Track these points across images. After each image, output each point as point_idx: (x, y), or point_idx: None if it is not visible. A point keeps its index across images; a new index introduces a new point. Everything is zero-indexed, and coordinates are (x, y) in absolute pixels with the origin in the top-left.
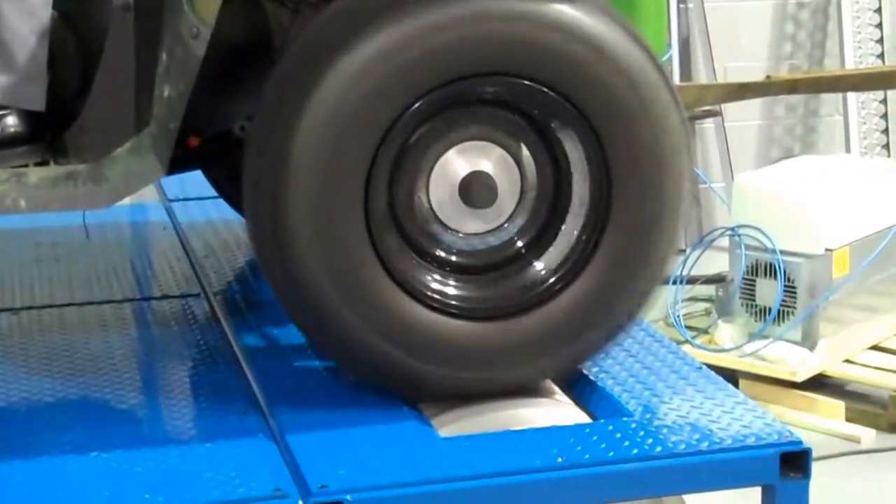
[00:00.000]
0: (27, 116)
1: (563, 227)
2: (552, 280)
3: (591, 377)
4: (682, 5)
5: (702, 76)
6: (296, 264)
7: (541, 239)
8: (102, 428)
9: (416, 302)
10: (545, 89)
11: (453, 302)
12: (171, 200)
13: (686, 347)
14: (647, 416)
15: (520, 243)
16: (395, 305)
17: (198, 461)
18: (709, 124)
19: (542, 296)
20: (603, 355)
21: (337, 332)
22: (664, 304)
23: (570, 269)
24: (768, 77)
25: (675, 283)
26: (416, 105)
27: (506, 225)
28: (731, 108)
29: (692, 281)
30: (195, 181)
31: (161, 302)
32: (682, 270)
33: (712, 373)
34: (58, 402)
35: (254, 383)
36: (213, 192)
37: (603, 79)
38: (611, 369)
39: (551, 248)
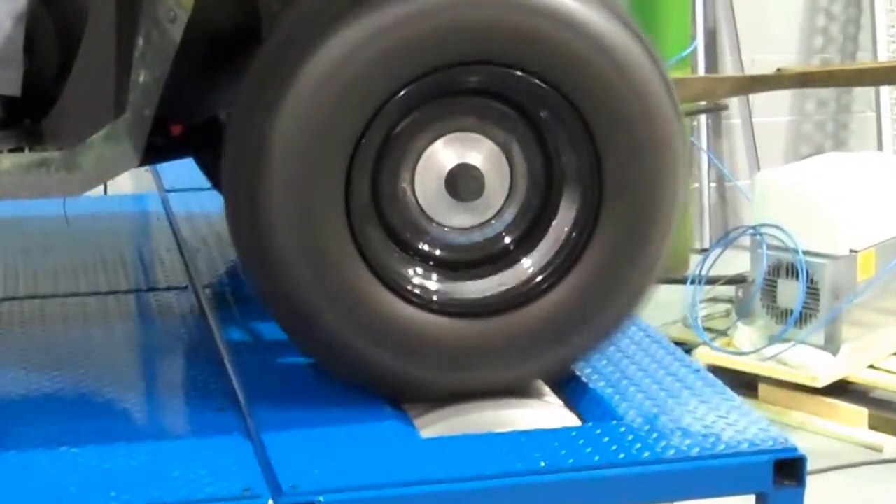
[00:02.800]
0: (2, 102)
1: (553, 223)
2: (540, 278)
3: (583, 378)
4: None
5: (728, 68)
6: (273, 256)
7: (530, 235)
8: (74, 422)
9: (397, 297)
10: (533, 79)
11: (437, 298)
12: (167, 191)
13: (704, 350)
14: (638, 419)
15: (508, 239)
16: (375, 300)
17: (169, 458)
18: (735, 120)
19: (529, 294)
20: (597, 355)
21: (315, 327)
22: (683, 304)
23: (559, 266)
24: (779, 70)
25: (694, 282)
26: (401, 94)
27: (493, 220)
28: (759, 104)
29: (712, 281)
30: (193, 171)
31: (147, 294)
32: (701, 270)
33: (710, 375)
34: (31, 395)
35: (234, 379)
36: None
37: (593, 68)
38: (604, 370)
39: (540, 245)
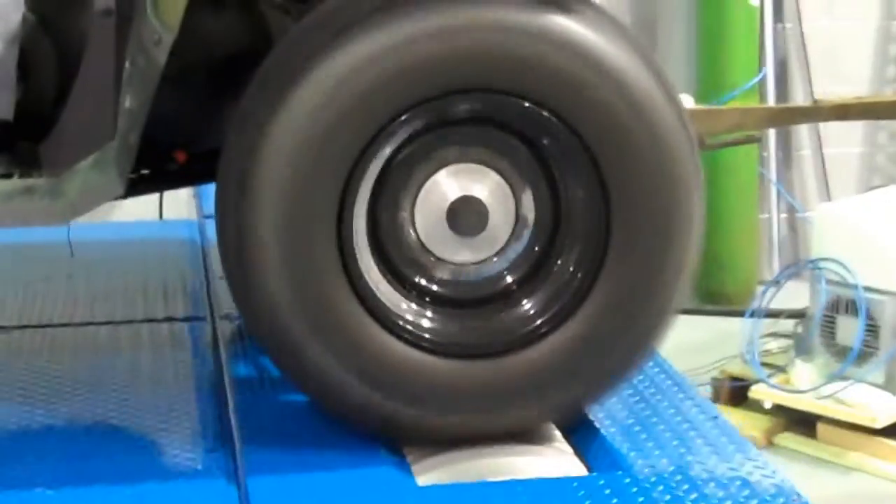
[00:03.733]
0: None
1: (558, 264)
2: (541, 321)
3: (595, 423)
4: (778, 25)
5: (799, 99)
6: (261, 288)
7: (533, 275)
8: (57, 461)
9: (391, 335)
10: (539, 109)
11: (431, 336)
12: (207, 217)
13: (761, 387)
14: (645, 470)
15: (510, 278)
16: (367, 337)
17: (148, 501)
18: (806, 151)
19: (528, 337)
20: (612, 398)
21: (305, 364)
22: (741, 338)
23: (562, 309)
24: (816, 101)
25: (752, 315)
26: (399, 122)
27: (495, 258)
28: (830, 134)
29: (773, 314)
30: None
31: (162, 325)
32: (761, 303)
33: (728, 424)
34: (18, 430)
35: (233, 417)
36: None
37: (601, 99)
38: (617, 415)
39: (543, 287)
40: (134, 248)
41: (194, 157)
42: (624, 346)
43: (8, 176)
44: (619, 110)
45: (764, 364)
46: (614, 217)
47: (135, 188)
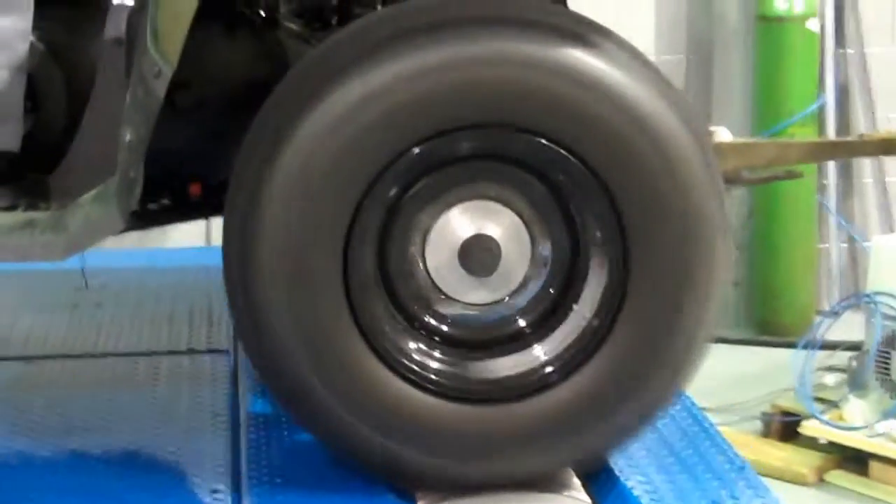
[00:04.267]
0: (0, 157)
1: (573, 308)
2: (554, 367)
3: (615, 471)
4: (840, 51)
5: (861, 127)
6: (264, 327)
7: (547, 319)
8: (58, 497)
9: (396, 375)
10: (554, 144)
11: (438, 378)
12: None
13: (812, 423)
14: None
15: (522, 322)
16: (373, 379)
17: None
18: (867, 179)
19: (539, 383)
20: (636, 443)
21: (308, 403)
22: (795, 370)
23: (576, 355)
24: (861, 136)
25: (806, 347)
26: (409, 156)
27: (508, 299)
28: (893, 164)
29: (829, 347)
30: None
31: (183, 357)
32: (817, 334)
33: (754, 475)
34: (19, 464)
35: (243, 456)
36: None
37: (619, 134)
38: (639, 462)
39: (557, 331)
40: (171, 276)
41: (211, 189)
42: (643, 392)
43: (13, 208)
44: (638, 147)
45: (817, 399)
46: (632, 258)
47: (153, 219)
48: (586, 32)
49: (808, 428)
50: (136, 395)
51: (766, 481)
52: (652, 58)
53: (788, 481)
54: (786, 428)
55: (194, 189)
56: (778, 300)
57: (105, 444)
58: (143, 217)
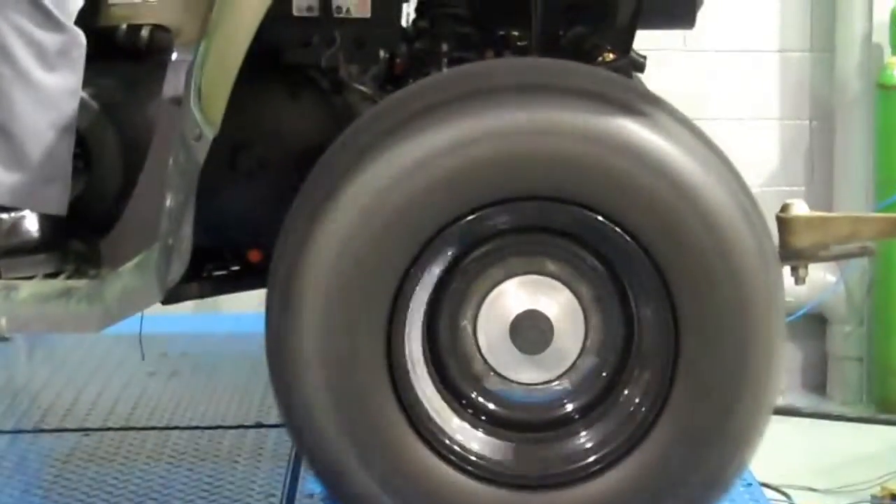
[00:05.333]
0: (46, 221)
1: (624, 393)
2: (601, 454)
3: None
4: None
5: None
6: (304, 405)
7: (595, 404)
8: None
9: (438, 457)
10: (603, 218)
11: (479, 461)
12: None
13: None
14: None
15: (570, 406)
16: (414, 461)
17: None
18: None
19: (583, 471)
20: None
21: (349, 486)
22: None
23: (622, 444)
24: None
25: None
26: (459, 228)
27: (556, 382)
28: None
29: None
30: None
31: (249, 431)
32: None
33: None
34: None
35: None
36: None
37: (669, 211)
38: None
39: (605, 418)
40: (255, 342)
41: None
42: (690, 486)
43: (56, 275)
44: (690, 225)
45: None
46: (683, 342)
47: (210, 288)
48: (637, 102)
49: None
50: (191, 471)
51: None
52: (776, 123)
53: None
54: None
55: (253, 256)
56: None
57: None
58: (202, 284)
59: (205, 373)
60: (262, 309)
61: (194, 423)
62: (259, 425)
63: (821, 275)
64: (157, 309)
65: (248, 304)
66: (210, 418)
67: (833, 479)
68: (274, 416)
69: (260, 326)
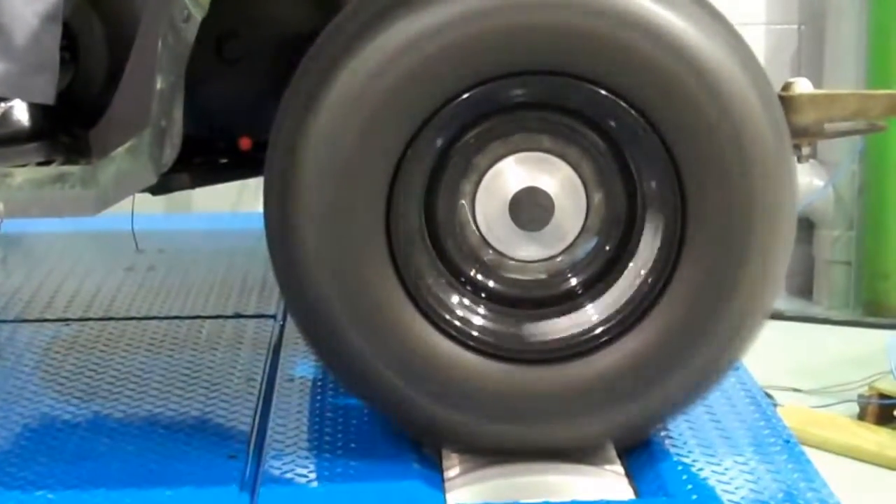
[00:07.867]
0: (35, 110)
1: (629, 266)
2: (607, 326)
3: (654, 444)
4: None
5: None
6: (304, 279)
7: (600, 277)
8: (66, 462)
9: (439, 333)
10: (608, 93)
11: (481, 335)
12: None
13: None
14: (694, 496)
15: (574, 281)
16: (410, 332)
17: None
18: None
19: (588, 344)
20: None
21: (346, 356)
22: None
23: (628, 316)
24: None
25: None
26: (457, 104)
27: (560, 257)
28: None
29: None
30: None
31: (228, 321)
32: None
33: (799, 448)
34: (41, 427)
35: (270, 422)
36: None
37: (676, 82)
38: (682, 434)
39: (611, 290)
40: (231, 240)
41: (263, 146)
42: (696, 359)
43: (48, 163)
44: (696, 96)
45: None
46: (689, 212)
47: (201, 177)
48: None
49: None
50: (171, 359)
51: (858, 465)
52: (762, 28)
53: (881, 465)
54: (882, 411)
55: (244, 144)
56: (887, 281)
57: (128, 407)
58: (193, 173)
59: (181, 268)
60: (236, 209)
61: (173, 314)
62: (238, 315)
63: (808, 179)
64: (130, 207)
65: (222, 205)
66: (189, 309)
67: (819, 380)
68: (253, 307)
69: (234, 225)
